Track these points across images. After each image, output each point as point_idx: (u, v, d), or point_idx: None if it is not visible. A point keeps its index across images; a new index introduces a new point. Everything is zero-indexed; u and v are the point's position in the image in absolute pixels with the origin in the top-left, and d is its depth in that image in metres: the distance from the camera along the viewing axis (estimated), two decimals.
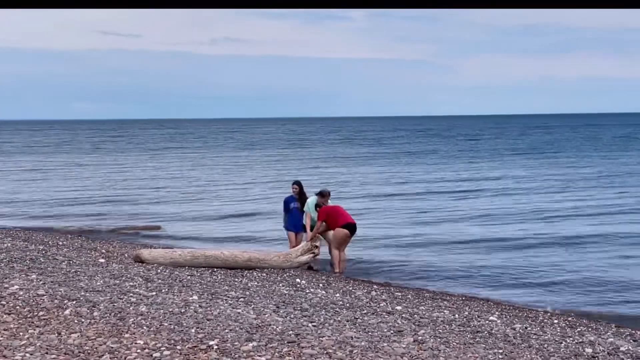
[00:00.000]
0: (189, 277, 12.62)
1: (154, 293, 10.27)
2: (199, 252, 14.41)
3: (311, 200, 15.66)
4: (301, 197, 15.88)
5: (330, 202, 15.71)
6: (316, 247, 15.10)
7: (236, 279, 12.97)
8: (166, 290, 10.70)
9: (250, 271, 14.19)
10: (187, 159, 55.60)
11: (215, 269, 14.01)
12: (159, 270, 13.23)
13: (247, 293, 11.11)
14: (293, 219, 15.84)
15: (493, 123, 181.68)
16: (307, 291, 12.05)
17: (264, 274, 13.90)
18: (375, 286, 13.71)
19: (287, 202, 15.91)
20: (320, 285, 13.04)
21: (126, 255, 15.62)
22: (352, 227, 15.23)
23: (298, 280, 13.40)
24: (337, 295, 11.93)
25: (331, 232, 15.28)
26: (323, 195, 15.67)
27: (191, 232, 21.09)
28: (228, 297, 10.44)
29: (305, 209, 15.60)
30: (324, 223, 15.25)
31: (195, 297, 10.14)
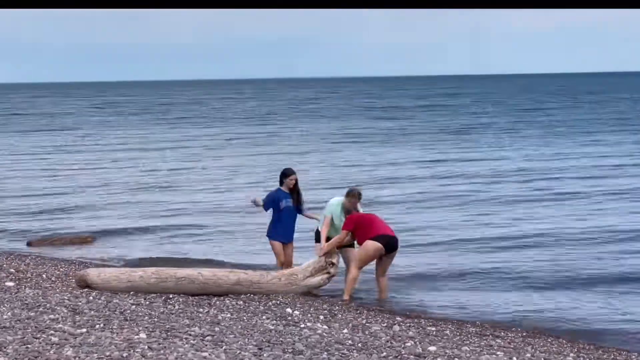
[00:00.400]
0: (133, 306, 12.61)
1: (85, 330, 10.23)
2: (168, 272, 14.55)
3: (335, 201, 15.65)
4: (295, 192, 15.87)
5: (362, 209, 15.69)
6: (332, 264, 15.17)
7: (201, 309, 12.97)
8: (102, 325, 10.66)
9: (221, 298, 14.20)
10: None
11: (171, 296, 14.03)
12: (90, 298, 13.22)
13: (217, 329, 11.10)
14: (284, 224, 15.81)
15: None
16: (302, 326, 12.05)
17: (240, 302, 13.91)
18: (398, 318, 13.72)
19: (275, 199, 15.86)
20: (321, 317, 13.05)
21: (44, 276, 15.61)
22: (389, 241, 15.25)
23: (289, 310, 13.41)
24: (345, 331, 11.93)
25: (350, 249, 15.49)
26: (352, 195, 15.61)
27: (137, 243, 21.08)
28: (189, 334, 10.43)
29: (325, 212, 15.62)
30: (349, 235, 15.33)
31: (142, 335, 10.12)
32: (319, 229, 15.55)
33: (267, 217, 16.23)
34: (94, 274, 14.41)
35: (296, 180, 15.91)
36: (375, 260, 15.34)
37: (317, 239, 15.59)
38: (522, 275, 17.18)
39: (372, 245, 15.08)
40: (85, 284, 14.27)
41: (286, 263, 15.85)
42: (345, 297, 15.18)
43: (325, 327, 12.15)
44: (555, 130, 57.59)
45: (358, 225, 15.22)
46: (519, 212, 24.94)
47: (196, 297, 14.15)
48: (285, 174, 15.84)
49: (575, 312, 14.71)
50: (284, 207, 15.81)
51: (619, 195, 27.88)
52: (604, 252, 19.26)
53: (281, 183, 15.89)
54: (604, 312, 14.82)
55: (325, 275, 15.13)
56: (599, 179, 32.13)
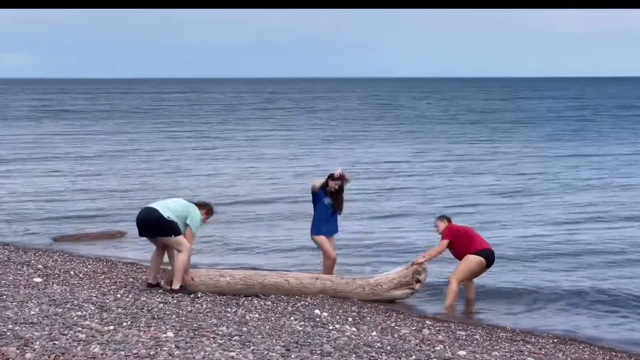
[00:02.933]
0: (161, 305, 12.67)
1: (112, 327, 10.29)
2: (255, 279, 14.79)
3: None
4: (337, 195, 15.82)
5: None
6: (419, 280, 15.17)
7: (229, 309, 13.01)
8: (129, 323, 10.72)
9: (249, 298, 14.23)
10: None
11: (199, 294, 14.07)
12: (118, 296, 13.29)
13: (245, 329, 11.12)
14: (326, 218, 15.81)
15: None
16: (331, 327, 12.06)
17: (269, 302, 13.94)
18: (428, 321, 13.71)
19: (319, 195, 15.81)
20: (350, 319, 13.06)
21: (72, 273, 15.69)
22: (489, 256, 15.37)
23: (317, 311, 13.43)
24: (374, 334, 11.93)
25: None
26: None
27: None
28: (217, 334, 10.45)
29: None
30: (445, 245, 15.39)
31: (170, 333, 10.16)
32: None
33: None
34: None
35: (340, 186, 15.81)
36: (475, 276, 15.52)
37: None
38: (559, 286, 16.97)
39: (475, 260, 15.22)
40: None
41: (333, 259, 15.83)
42: (448, 302, 15.23)
43: (353, 329, 12.15)
44: None
45: (457, 237, 15.32)
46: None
47: (224, 297, 14.18)
48: (331, 177, 15.82)
49: (610, 322, 14.63)
50: (326, 204, 15.75)
51: None
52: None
53: (326, 184, 15.82)
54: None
55: (409, 291, 15.16)
56: None
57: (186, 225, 14.28)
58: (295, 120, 76.28)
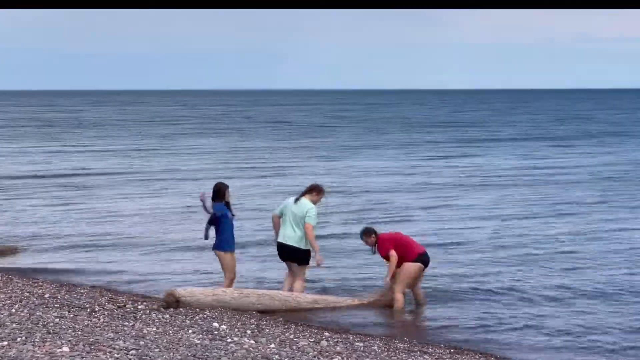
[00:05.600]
0: (57, 319, 12.57)
1: (6, 343, 10.21)
2: (250, 290, 15.56)
3: (311, 205, 15.85)
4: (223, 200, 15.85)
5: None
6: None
7: (126, 323, 12.96)
8: (23, 339, 10.63)
9: (147, 311, 14.20)
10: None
11: (96, 308, 14.00)
12: (12, 310, 13.14)
13: (142, 343, 11.12)
14: (229, 232, 15.88)
15: None
16: (229, 340, 12.11)
17: (167, 316, 13.92)
18: (326, 333, 13.80)
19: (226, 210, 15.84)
20: (248, 332, 13.11)
21: None
22: (427, 259, 15.80)
23: (216, 324, 13.45)
24: (272, 346, 12.02)
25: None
26: (320, 191, 15.97)
27: (67, 255, 20.93)
28: (114, 348, 10.43)
29: (308, 220, 15.68)
30: (395, 255, 15.67)
31: (65, 348, 10.12)
32: (307, 238, 15.72)
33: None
34: (181, 289, 15.13)
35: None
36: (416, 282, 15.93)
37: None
38: (452, 290, 17.32)
39: (414, 267, 15.65)
40: (175, 300, 14.80)
41: (234, 275, 15.97)
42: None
43: (252, 341, 12.21)
44: None
45: (396, 245, 15.70)
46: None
47: (121, 310, 14.14)
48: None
49: (503, 327, 14.89)
50: (224, 216, 15.79)
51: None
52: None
53: (224, 196, 15.85)
54: (533, 325, 15.02)
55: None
56: None
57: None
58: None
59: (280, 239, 15.90)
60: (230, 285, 15.75)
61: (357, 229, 17.61)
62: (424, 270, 15.84)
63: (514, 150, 54.28)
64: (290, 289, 15.88)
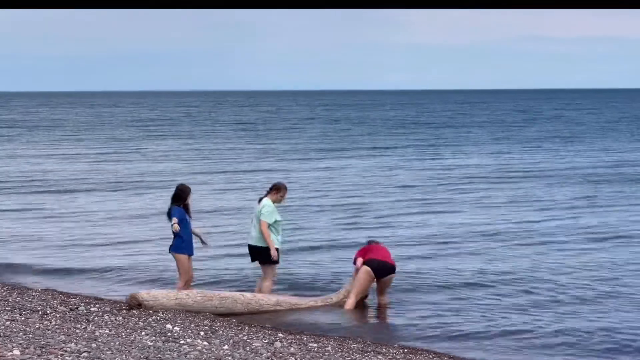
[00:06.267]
0: (8, 322, 12.50)
1: None
2: (212, 293, 15.46)
3: (267, 203, 16.00)
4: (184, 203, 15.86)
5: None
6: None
7: (78, 325, 12.90)
8: None
9: (100, 314, 14.14)
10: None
11: (48, 311, 13.93)
12: None
13: (94, 345, 11.08)
14: (187, 235, 15.88)
15: None
16: (182, 342, 12.10)
17: (120, 318, 13.87)
18: (280, 334, 13.82)
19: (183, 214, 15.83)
20: (202, 333, 13.11)
21: None
22: (377, 265, 15.83)
23: (169, 326, 13.43)
24: (226, 347, 12.02)
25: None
26: (279, 189, 16.14)
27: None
28: (65, 351, 10.40)
29: (262, 217, 15.87)
30: (360, 263, 15.93)
31: (16, 352, 10.07)
32: (262, 235, 15.88)
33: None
34: (144, 292, 15.09)
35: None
36: (368, 285, 16.02)
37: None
38: (406, 289, 17.40)
39: (362, 270, 15.81)
40: (137, 303, 14.74)
41: (190, 278, 16.00)
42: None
43: (205, 343, 12.21)
44: None
45: (364, 254, 16.00)
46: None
47: (74, 313, 14.07)
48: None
49: (458, 328, 14.98)
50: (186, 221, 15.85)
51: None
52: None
53: (185, 199, 15.86)
54: (492, 324, 15.14)
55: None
56: None
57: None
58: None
59: (247, 241, 16.22)
60: (185, 287, 15.72)
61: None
62: (377, 277, 15.89)
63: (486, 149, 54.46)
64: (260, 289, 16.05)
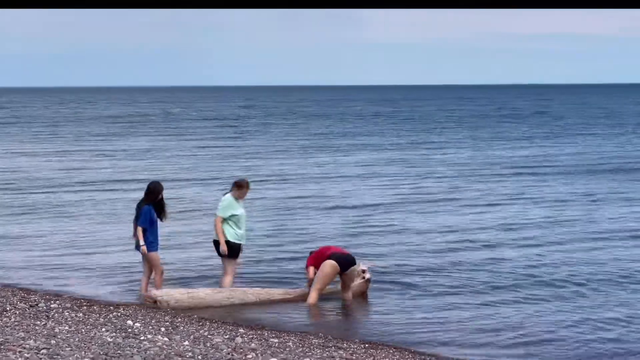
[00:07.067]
0: None
1: None
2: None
3: (224, 198, 16.15)
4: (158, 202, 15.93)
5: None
6: (363, 271, 16.58)
7: (38, 322, 12.86)
8: None
9: (60, 310, 14.10)
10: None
11: (8, 308, 13.87)
12: None
13: (53, 342, 11.05)
14: (156, 233, 16.02)
15: None
16: (142, 338, 12.09)
17: (80, 314, 13.83)
18: (241, 330, 13.83)
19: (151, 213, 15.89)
20: (162, 329, 13.10)
21: None
22: (342, 259, 15.90)
23: (130, 322, 13.42)
24: (186, 343, 12.02)
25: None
26: (241, 186, 16.19)
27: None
28: (24, 348, 10.36)
29: (217, 212, 16.09)
30: (312, 272, 16.09)
31: None
32: (216, 231, 16.05)
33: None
34: (158, 291, 15.49)
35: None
36: (332, 278, 16.09)
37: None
38: (373, 285, 17.42)
39: (326, 264, 15.85)
40: (152, 301, 15.31)
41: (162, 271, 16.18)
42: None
43: (165, 339, 12.20)
44: None
45: (316, 259, 16.09)
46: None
47: (33, 309, 14.01)
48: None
49: (419, 323, 15.03)
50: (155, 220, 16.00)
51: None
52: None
53: (156, 196, 15.96)
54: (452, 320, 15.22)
55: (362, 281, 16.57)
56: None
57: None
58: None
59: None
60: (161, 281, 15.92)
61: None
62: (341, 271, 15.94)
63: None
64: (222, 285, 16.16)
